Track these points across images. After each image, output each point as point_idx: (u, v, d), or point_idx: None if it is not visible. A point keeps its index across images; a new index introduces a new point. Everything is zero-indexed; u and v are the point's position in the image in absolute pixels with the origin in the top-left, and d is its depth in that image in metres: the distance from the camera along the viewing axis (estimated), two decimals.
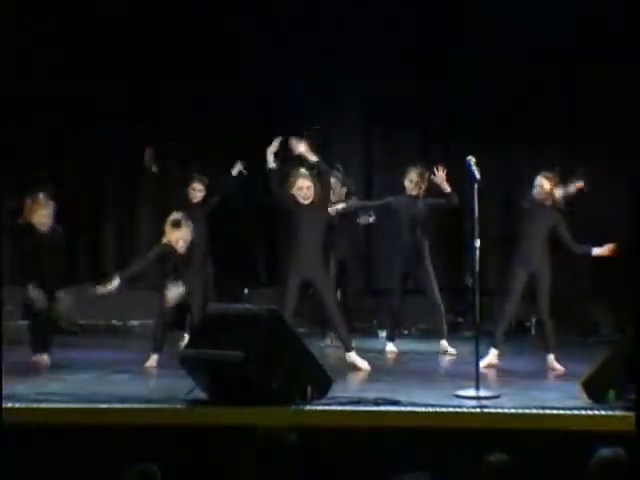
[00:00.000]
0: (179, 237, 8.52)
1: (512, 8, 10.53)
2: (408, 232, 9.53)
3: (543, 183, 8.55)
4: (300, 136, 8.54)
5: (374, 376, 8.06)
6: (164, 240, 8.59)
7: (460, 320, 10.28)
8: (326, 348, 9.54)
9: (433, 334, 10.32)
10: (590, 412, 6.34)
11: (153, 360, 8.34)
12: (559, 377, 8.12)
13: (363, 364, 8.30)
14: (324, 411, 6.41)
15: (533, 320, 10.07)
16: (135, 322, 10.69)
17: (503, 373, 8.17)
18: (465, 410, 6.46)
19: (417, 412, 6.39)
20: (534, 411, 6.38)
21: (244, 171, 10.02)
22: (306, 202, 8.33)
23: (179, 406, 6.49)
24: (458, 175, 9.23)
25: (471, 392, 6.86)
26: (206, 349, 6.65)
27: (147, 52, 10.94)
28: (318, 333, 9.94)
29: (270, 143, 11.11)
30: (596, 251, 8.61)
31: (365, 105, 11.36)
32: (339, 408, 6.44)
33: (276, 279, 10.93)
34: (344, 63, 10.94)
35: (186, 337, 9.04)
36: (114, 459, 5.60)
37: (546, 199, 8.54)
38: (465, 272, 10.39)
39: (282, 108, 11.27)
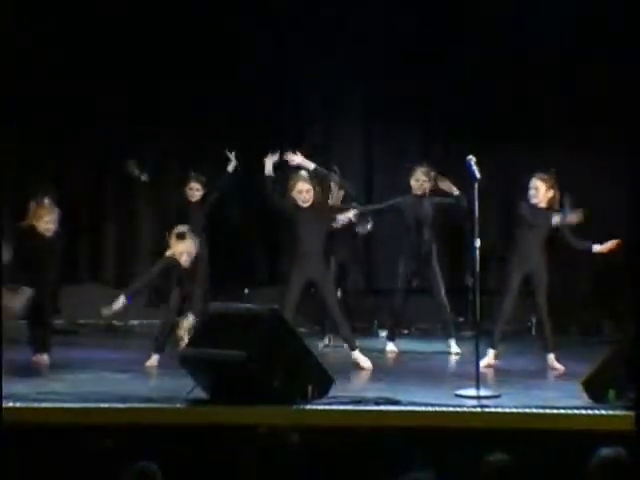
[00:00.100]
0: (183, 250, 8.49)
1: (512, 8, 10.54)
2: (414, 232, 9.51)
3: (538, 185, 8.54)
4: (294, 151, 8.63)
5: (375, 376, 8.07)
6: (168, 253, 8.56)
7: (460, 320, 10.26)
8: (325, 348, 9.54)
9: (433, 334, 10.36)
10: (590, 412, 6.35)
11: (154, 360, 8.34)
12: (559, 377, 8.12)
13: (366, 363, 8.31)
14: (325, 410, 6.41)
15: (533, 320, 10.06)
16: (135, 322, 10.69)
17: (503, 373, 8.16)
18: (466, 410, 6.47)
19: (418, 412, 6.40)
20: (535, 411, 6.39)
21: (238, 167, 10.03)
22: (306, 205, 8.38)
23: (179, 406, 6.49)
24: (458, 175, 9.27)
25: (472, 392, 6.86)
26: (207, 348, 6.66)
27: (147, 52, 10.93)
28: (318, 333, 9.93)
29: (270, 144, 11.20)
30: (597, 247, 8.61)
31: (365, 105, 11.35)
32: (340, 408, 6.45)
33: (276, 278, 10.94)
34: (344, 63, 10.93)
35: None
36: (114, 458, 5.57)
37: (541, 201, 8.53)
38: (465, 272, 10.38)
39: (282, 108, 11.29)
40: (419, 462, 5.73)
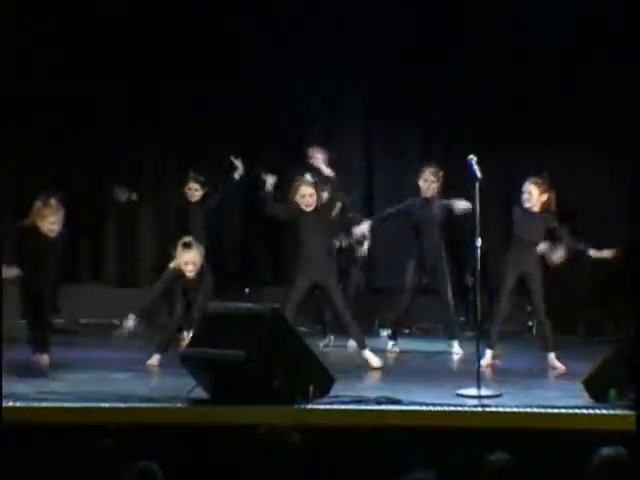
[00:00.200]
0: (189, 260, 8.45)
1: (512, 8, 10.53)
2: (423, 233, 9.48)
3: (532, 189, 8.53)
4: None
5: (376, 375, 8.07)
6: (172, 264, 8.54)
7: (461, 319, 10.26)
8: (326, 347, 9.55)
9: (434, 333, 10.37)
10: (591, 411, 6.34)
11: (155, 359, 8.33)
12: (560, 376, 8.13)
13: (377, 362, 8.31)
14: (326, 410, 6.41)
15: (535, 320, 10.05)
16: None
17: (504, 372, 8.15)
18: (467, 409, 6.47)
19: (419, 411, 6.40)
20: (535, 410, 6.38)
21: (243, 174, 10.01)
22: (309, 209, 8.38)
23: (180, 405, 6.49)
24: (459, 175, 9.27)
25: (473, 391, 6.87)
26: (207, 348, 6.66)
27: (147, 52, 10.92)
28: (319, 332, 9.92)
29: (270, 143, 11.23)
30: (593, 252, 8.60)
31: (365, 105, 11.35)
32: (341, 407, 6.45)
33: (277, 278, 10.95)
34: (344, 63, 10.93)
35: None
36: (115, 458, 5.56)
37: (535, 205, 8.52)
38: (466, 271, 10.37)
39: (282, 108, 11.29)
40: (420, 462, 5.73)
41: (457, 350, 9.40)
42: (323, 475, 5.82)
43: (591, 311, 10.63)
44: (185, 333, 8.54)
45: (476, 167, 7.32)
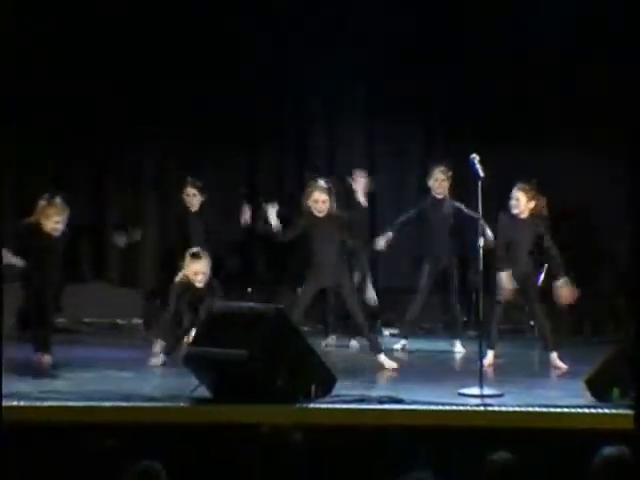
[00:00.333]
0: (199, 269, 8.40)
1: (512, 8, 10.54)
2: (436, 233, 9.48)
3: (519, 196, 8.50)
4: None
5: (378, 374, 8.06)
6: (178, 278, 8.50)
7: (464, 319, 10.26)
8: (328, 347, 9.56)
9: (436, 333, 10.38)
10: (594, 410, 6.34)
11: (158, 359, 8.33)
12: (562, 375, 8.12)
13: (390, 364, 8.25)
14: (328, 409, 6.41)
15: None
16: (139, 320, 10.69)
17: (506, 371, 8.15)
18: (469, 408, 6.47)
19: (421, 410, 6.40)
20: (538, 409, 6.38)
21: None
22: (321, 215, 8.30)
23: (183, 404, 6.49)
24: (459, 175, 9.28)
25: (475, 390, 6.87)
26: (210, 347, 6.66)
27: (147, 52, 10.92)
28: (322, 332, 9.92)
29: (270, 143, 11.23)
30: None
31: (365, 105, 11.35)
32: (343, 406, 6.45)
33: (277, 278, 10.94)
34: (344, 63, 10.93)
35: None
36: (117, 457, 5.57)
37: (523, 212, 8.51)
38: (468, 271, 10.37)
39: (282, 108, 11.29)
40: (422, 461, 5.73)
41: (459, 349, 9.41)
42: (325, 474, 5.82)
43: (594, 310, 10.64)
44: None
45: (478, 166, 7.33)
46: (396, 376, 7.98)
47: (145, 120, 11.02)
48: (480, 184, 7.21)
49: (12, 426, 5.93)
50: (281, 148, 11.35)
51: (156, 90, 11.01)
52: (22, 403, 6.40)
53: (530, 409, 6.40)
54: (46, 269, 8.11)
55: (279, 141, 11.35)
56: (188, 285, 8.43)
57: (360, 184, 9.17)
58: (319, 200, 8.28)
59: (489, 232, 8.82)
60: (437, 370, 8.41)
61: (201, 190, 9.80)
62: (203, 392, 6.67)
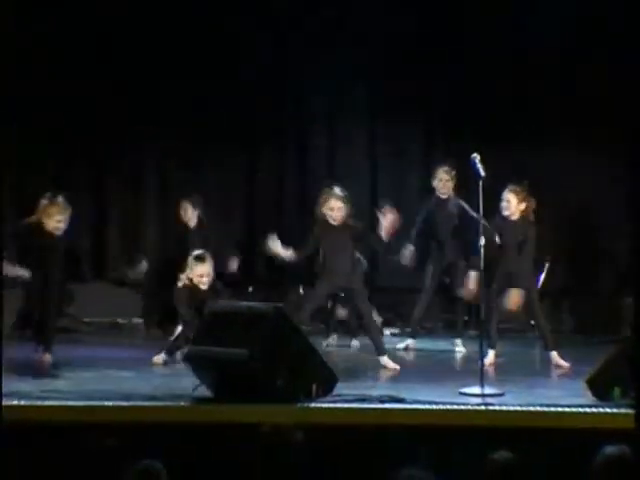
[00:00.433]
0: (204, 272, 8.38)
1: (512, 8, 10.55)
2: (442, 233, 9.47)
3: (510, 198, 8.49)
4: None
5: (379, 374, 8.07)
6: (180, 283, 8.47)
7: (465, 318, 10.26)
8: (329, 347, 9.55)
9: (437, 332, 10.37)
10: (595, 410, 6.34)
11: (159, 358, 8.32)
12: (564, 375, 8.12)
13: (392, 366, 8.21)
14: (329, 409, 6.41)
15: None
16: (139, 320, 10.69)
17: (507, 371, 8.15)
18: (470, 408, 6.47)
19: (422, 410, 6.40)
20: (539, 409, 6.38)
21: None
22: (335, 223, 8.25)
23: (183, 404, 6.49)
24: (459, 174, 9.28)
25: (476, 390, 6.87)
26: (211, 347, 6.65)
27: (147, 52, 10.92)
28: (323, 331, 9.92)
29: (270, 143, 11.21)
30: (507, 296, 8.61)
31: (365, 105, 11.35)
32: (344, 406, 6.44)
33: (278, 278, 10.94)
34: (344, 63, 10.93)
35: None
36: (118, 457, 5.57)
37: (513, 214, 8.51)
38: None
39: (282, 108, 11.29)
40: (423, 460, 5.73)
41: (460, 348, 9.41)
42: (326, 474, 5.82)
43: (595, 310, 10.64)
44: None
45: (479, 165, 7.33)
46: (397, 375, 7.99)
47: (145, 120, 11.02)
48: (481, 184, 7.22)
49: (12, 425, 5.93)
50: (281, 148, 11.35)
51: (156, 90, 11.00)
52: (22, 402, 6.41)
53: (531, 408, 6.39)
54: (48, 268, 8.10)
55: (279, 141, 11.35)
56: (192, 288, 8.43)
57: (388, 219, 9.06)
58: (335, 208, 8.21)
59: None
60: (438, 369, 8.42)
61: (194, 204, 9.79)
62: (204, 391, 6.67)
